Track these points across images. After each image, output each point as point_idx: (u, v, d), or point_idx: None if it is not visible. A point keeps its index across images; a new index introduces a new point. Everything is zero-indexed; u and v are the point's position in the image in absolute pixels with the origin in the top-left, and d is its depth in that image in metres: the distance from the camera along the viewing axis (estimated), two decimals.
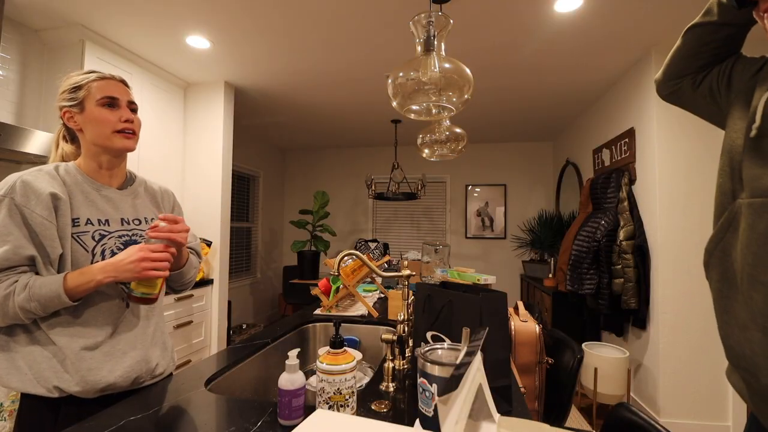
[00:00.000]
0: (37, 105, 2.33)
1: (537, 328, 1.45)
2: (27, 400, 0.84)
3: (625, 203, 2.69)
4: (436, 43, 1.29)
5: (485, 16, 2.15)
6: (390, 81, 1.28)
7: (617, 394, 2.48)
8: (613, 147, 3.04)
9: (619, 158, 2.95)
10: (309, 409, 0.78)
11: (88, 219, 0.91)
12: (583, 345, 2.69)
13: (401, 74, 1.26)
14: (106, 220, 0.93)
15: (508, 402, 0.85)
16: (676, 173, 2.43)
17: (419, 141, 2.51)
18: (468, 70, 1.25)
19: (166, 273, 0.88)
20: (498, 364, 0.85)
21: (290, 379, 0.76)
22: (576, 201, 3.91)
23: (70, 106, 0.93)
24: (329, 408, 0.76)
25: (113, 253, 0.91)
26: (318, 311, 1.76)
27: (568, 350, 1.34)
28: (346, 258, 1.69)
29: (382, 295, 2.13)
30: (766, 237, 0.66)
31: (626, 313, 2.71)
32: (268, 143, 5.24)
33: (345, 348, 0.80)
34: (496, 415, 0.67)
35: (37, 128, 2.21)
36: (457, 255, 5.08)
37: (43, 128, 2.31)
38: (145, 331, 0.98)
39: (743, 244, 0.70)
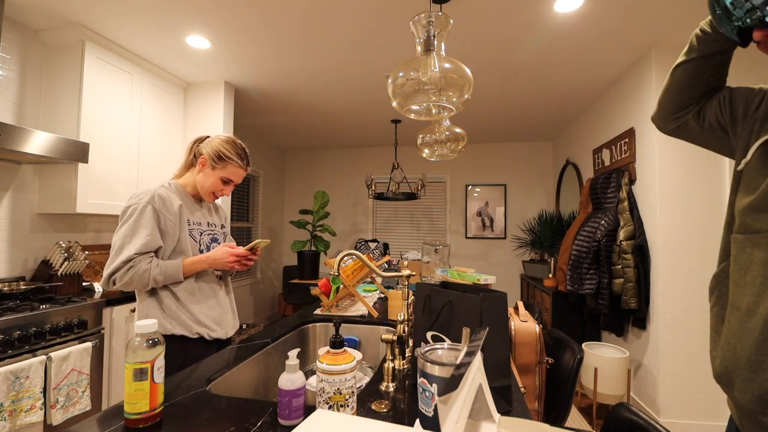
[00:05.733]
0: (37, 105, 2.33)
1: (537, 328, 1.45)
2: (172, 339, 1.25)
3: (625, 203, 2.68)
4: (436, 43, 1.29)
5: (485, 16, 2.15)
6: (390, 81, 1.28)
7: (617, 394, 2.48)
8: (613, 147, 3.04)
9: (619, 158, 2.95)
10: (309, 409, 0.78)
11: (194, 221, 1.37)
12: (583, 345, 2.69)
13: (401, 74, 1.26)
14: (200, 223, 1.40)
15: (508, 402, 0.85)
16: (675, 173, 2.43)
17: (419, 141, 2.51)
18: (468, 70, 1.25)
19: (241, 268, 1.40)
20: (498, 364, 0.85)
21: (290, 379, 0.76)
22: (576, 201, 3.91)
23: (210, 161, 1.34)
24: (329, 408, 0.76)
25: (207, 245, 1.39)
26: (318, 311, 1.76)
27: (568, 350, 1.34)
28: (346, 258, 1.69)
29: (382, 295, 2.13)
30: (745, 268, 0.74)
31: (626, 313, 2.71)
32: (268, 143, 5.24)
33: (345, 348, 0.80)
34: (496, 415, 0.67)
35: (37, 128, 2.21)
36: (457, 255, 5.08)
37: (43, 128, 2.32)
38: (229, 303, 1.46)
39: (730, 273, 0.78)
